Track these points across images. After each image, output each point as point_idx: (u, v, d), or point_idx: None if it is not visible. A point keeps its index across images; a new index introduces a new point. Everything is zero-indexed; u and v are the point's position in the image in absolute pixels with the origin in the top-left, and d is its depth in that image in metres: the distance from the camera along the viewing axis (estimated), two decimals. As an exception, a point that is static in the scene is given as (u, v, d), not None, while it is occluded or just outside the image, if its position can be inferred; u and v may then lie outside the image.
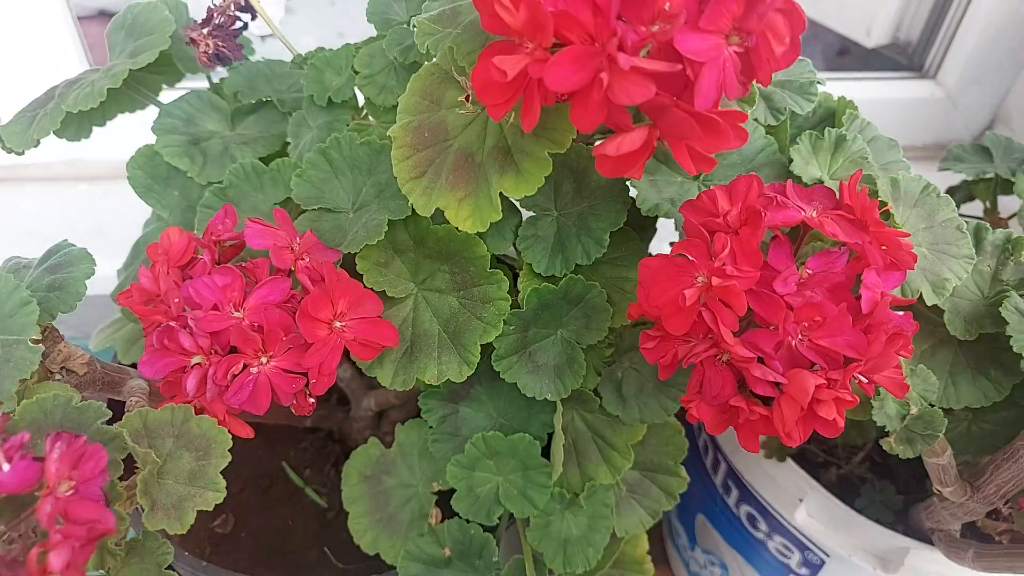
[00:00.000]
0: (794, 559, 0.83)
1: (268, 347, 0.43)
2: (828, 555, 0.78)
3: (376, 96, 0.56)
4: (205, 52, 0.58)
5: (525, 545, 0.59)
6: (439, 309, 0.52)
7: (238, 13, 0.60)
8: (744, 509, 0.86)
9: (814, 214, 0.42)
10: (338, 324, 0.45)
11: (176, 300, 0.43)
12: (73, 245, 0.51)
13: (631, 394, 0.56)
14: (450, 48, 0.42)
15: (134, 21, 0.64)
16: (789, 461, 0.78)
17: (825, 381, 0.40)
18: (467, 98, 0.45)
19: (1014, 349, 0.50)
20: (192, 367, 0.43)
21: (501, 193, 0.43)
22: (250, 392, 0.43)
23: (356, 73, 0.56)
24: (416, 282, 0.53)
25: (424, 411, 0.58)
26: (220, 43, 0.58)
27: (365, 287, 0.50)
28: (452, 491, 0.57)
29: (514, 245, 0.52)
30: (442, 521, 0.58)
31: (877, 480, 0.83)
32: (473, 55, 0.40)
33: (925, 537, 0.71)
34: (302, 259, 0.45)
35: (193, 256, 0.46)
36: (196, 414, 0.43)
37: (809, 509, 0.76)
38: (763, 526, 0.84)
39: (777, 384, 0.42)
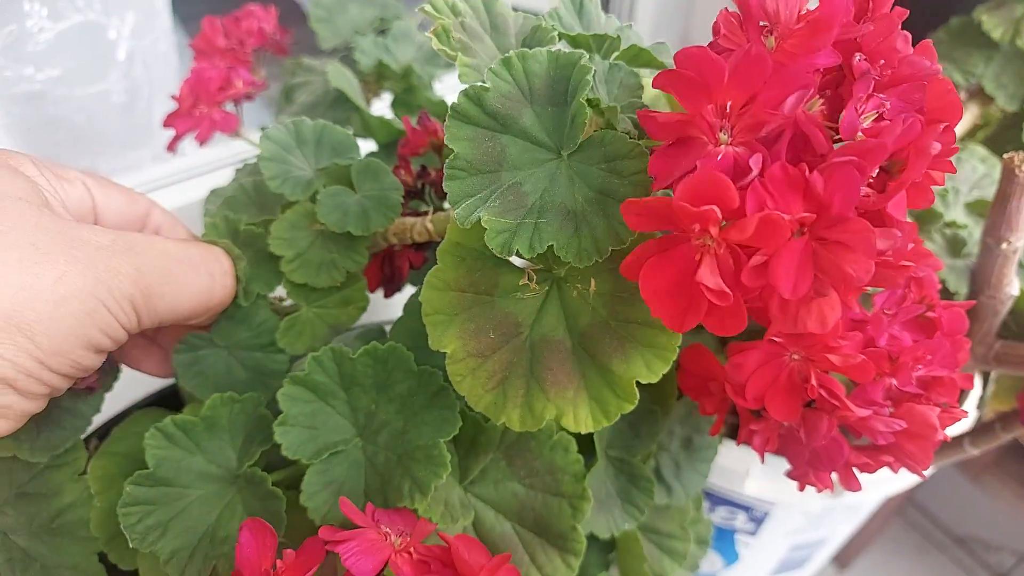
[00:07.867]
0: (739, 519, 0.87)
1: None
2: (773, 504, 0.84)
3: (315, 277, 0.42)
4: None
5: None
6: (503, 505, 0.43)
7: None
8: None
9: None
10: (478, 604, 0.35)
11: None
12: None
13: (671, 476, 0.54)
14: (530, 238, 0.33)
15: None
16: (727, 442, 0.81)
17: (937, 407, 0.42)
18: (528, 277, 0.37)
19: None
20: None
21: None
22: None
23: (277, 258, 0.42)
24: (463, 486, 0.43)
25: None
26: None
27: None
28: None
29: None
30: None
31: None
32: (585, 250, 0.32)
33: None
34: (411, 552, 0.34)
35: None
36: None
37: (755, 477, 0.81)
38: (704, 505, 0.88)
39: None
